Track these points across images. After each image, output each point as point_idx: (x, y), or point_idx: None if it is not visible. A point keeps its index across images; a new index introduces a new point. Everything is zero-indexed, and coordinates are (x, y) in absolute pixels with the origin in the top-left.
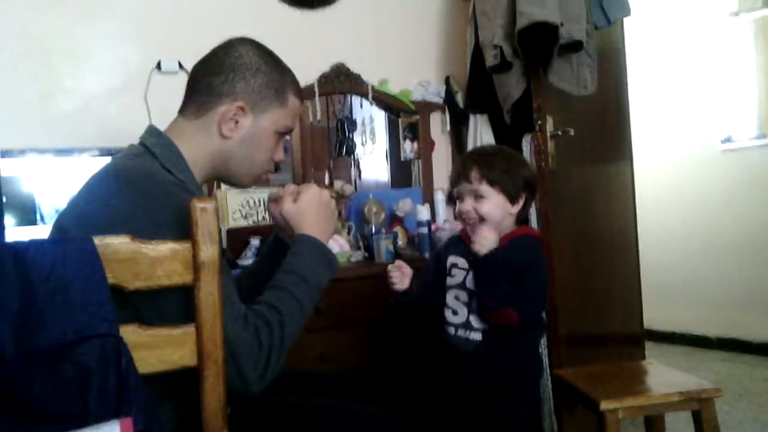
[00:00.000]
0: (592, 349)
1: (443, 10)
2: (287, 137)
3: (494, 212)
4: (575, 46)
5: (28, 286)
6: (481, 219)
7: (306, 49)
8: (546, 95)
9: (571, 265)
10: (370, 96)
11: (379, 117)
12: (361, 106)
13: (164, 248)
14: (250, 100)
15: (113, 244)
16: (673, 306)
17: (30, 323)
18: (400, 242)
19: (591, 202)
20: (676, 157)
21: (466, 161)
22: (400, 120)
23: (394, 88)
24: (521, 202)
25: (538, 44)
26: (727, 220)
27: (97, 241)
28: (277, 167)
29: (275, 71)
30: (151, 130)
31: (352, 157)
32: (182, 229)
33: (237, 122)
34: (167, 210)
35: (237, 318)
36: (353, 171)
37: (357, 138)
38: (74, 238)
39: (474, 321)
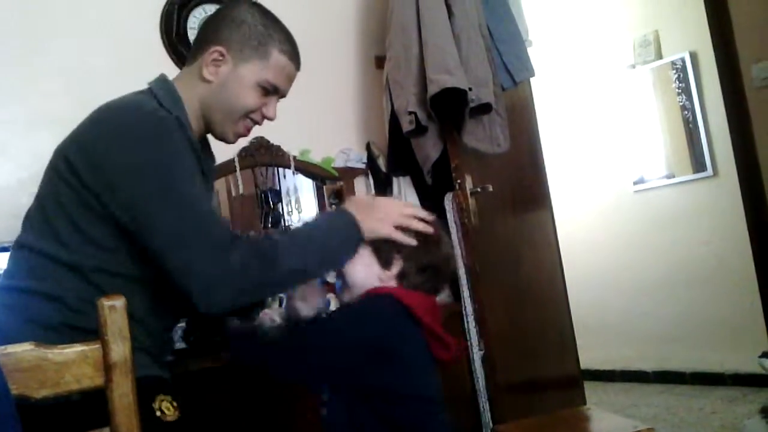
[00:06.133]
0: (533, 396)
1: (359, 79)
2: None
3: (354, 271)
4: (485, 108)
5: None
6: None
7: None
8: (463, 155)
9: (503, 316)
10: (292, 166)
11: (308, 185)
12: (285, 176)
13: (71, 352)
14: (231, 48)
15: (16, 353)
16: (610, 345)
17: None
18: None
19: (517, 254)
20: (594, 202)
21: None
22: (325, 187)
23: (315, 157)
24: (395, 269)
25: (451, 107)
26: (647, 258)
27: None
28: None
29: (261, 26)
30: (160, 76)
31: (280, 226)
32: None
33: (218, 67)
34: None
35: (216, 246)
36: None
37: (285, 207)
38: None
39: None
